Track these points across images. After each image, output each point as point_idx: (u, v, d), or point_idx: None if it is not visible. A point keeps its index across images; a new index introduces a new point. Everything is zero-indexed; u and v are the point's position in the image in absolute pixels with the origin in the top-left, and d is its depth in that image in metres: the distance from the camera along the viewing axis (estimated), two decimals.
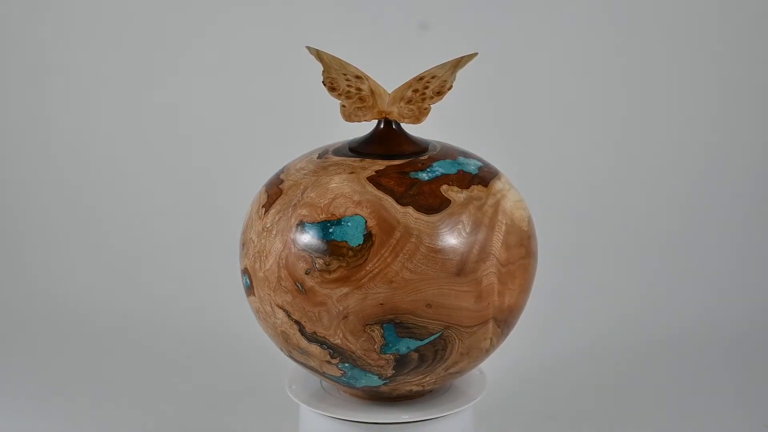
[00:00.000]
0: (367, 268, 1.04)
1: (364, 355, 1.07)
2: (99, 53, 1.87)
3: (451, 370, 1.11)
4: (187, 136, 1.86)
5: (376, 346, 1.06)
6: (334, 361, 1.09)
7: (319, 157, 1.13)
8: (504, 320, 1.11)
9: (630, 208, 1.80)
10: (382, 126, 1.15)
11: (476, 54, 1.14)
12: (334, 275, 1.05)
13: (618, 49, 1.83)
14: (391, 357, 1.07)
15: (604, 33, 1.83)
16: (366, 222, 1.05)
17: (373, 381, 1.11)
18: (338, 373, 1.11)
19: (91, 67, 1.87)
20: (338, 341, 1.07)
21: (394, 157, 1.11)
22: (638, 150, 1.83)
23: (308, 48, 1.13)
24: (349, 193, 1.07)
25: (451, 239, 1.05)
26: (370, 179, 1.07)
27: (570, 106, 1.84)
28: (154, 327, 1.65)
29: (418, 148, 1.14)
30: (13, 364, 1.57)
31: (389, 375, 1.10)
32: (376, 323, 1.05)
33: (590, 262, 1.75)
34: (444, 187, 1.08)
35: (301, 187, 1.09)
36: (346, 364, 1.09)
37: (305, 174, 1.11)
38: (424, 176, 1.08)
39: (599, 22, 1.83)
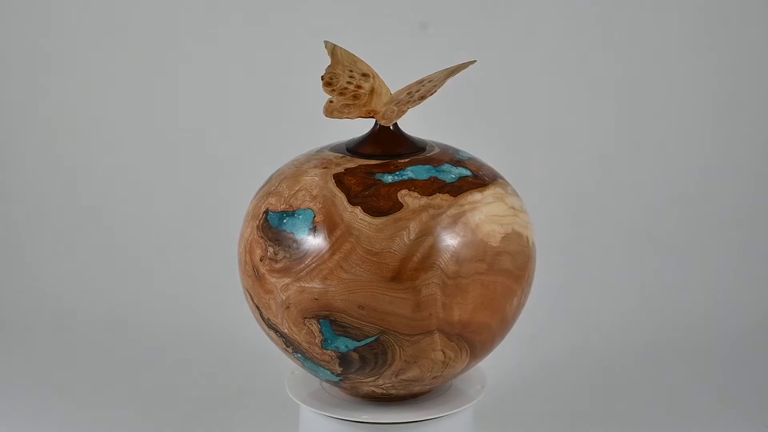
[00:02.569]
0: (306, 261, 1.06)
1: (309, 348, 1.09)
2: (101, 55, 1.87)
3: (404, 377, 1.10)
4: (189, 136, 1.86)
5: (316, 341, 1.08)
6: (289, 350, 1.12)
7: (318, 151, 1.16)
8: (458, 335, 1.07)
9: (631, 208, 1.79)
10: (378, 126, 1.15)
11: (474, 62, 1.12)
12: (279, 265, 1.07)
13: (619, 48, 1.82)
14: (334, 354, 1.08)
15: (602, 33, 1.82)
16: (314, 216, 1.06)
17: (329, 376, 1.12)
18: (298, 363, 1.13)
19: (90, 69, 1.87)
20: (286, 331, 1.09)
21: (378, 157, 1.11)
22: (636, 153, 1.82)
23: (326, 43, 1.16)
24: (311, 187, 1.08)
25: (391, 244, 1.04)
26: (336, 176, 1.08)
27: (571, 103, 1.82)
28: (153, 327, 1.66)
29: (410, 149, 1.13)
30: (11, 364, 1.58)
31: (339, 372, 1.10)
32: (313, 317, 1.06)
33: (590, 262, 1.74)
34: (403, 191, 1.06)
35: (282, 176, 1.13)
36: (299, 355, 1.11)
37: (293, 165, 1.14)
38: (388, 178, 1.07)
39: (597, 22, 1.82)
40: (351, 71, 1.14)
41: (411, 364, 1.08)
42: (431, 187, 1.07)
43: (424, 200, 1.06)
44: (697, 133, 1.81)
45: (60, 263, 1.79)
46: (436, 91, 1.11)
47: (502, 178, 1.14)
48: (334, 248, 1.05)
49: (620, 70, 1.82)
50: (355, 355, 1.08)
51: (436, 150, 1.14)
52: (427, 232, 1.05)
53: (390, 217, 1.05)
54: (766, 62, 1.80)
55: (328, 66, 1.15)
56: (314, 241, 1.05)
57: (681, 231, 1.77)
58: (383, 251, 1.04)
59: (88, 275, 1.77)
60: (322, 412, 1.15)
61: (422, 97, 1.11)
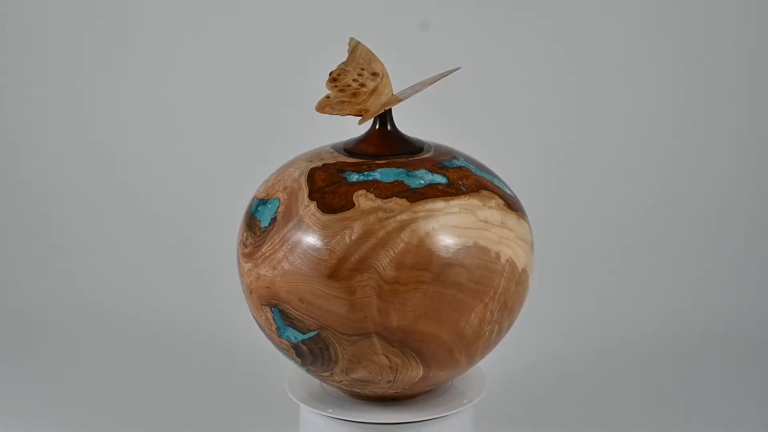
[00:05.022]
0: (263, 249, 1.09)
1: (271, 335, 1.12)
2: (103, 55, 1.85)
3: (355, 377, 1.10)
4: (190, 136, 1.83)
5: (273, 328, 1.11)
6: (263, 334, 1.16)
7: (322, 147, 1.18)
8: (400, 341, 1.06)
9: (628, 206, 1.80)
10: (377, 126, 1.15)
11: (458, 68, 1.10)
12: (247, 250, 1.12)
13: (618, 49, 1.83)
14: (288, 343, 1.11)
15: (593, 36, 1.83)
16: (278, 207, 1.10)
17: (298, 366, 1.14)
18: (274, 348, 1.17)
19: (93, 69, 1.85)
20: (253, 314, 1.14)
21: (364, 157, 1.12)
22: (635, 154, 1.82)
23: (351, 39, 1.18)
24: (288, 178, 1.12)
25: (333, 242, 1.05)
26: (311, 170, 1.11)
27: (562, 107, 1.83)
28: (154, 327, 1.66)
29: (401, 151, 1.12)
30: (12, 365, 1.58)
31: (300, 363, 1.13)
32: (267, 305, 1.10)
33: (587, 262, 1.74)
34: (360, 192, 1.06)
35: (280, 167, 1.16)
36: (270, 341, 1.15)
37: (294, 158, 1.17)
38: (354, 177, 1.08)
39: (590, 24, 1.83)
40: (362, 69, 1.15)
41: (356, 364, 1.08)
42: (391, 190, 1.06)
43: (377, 202, 1.05)
44: (681, 134, 1.83)
45: (58, 266, 1.80)
46: (413, 94, 1.10)
47: (490, 191, 1.10)
48: (284, 240, 1.07)
49: (618, 71, 1.83)
50: (305, 348, 1.09)
51: (428, 154, 1.12)
52: (369, 234, 1.04)
53: (338, 216, 1.05)
54: (745, 67, 1.82)
55: (342, 62, 1.17)
56: (272, 231, 1.09)
57: (678, 229, 1.78)
58: (324, 248, 1.05)
59: (90, 276, 1.77)
60: (322, 412, 1.17)
61: (399, 100, 1.10)
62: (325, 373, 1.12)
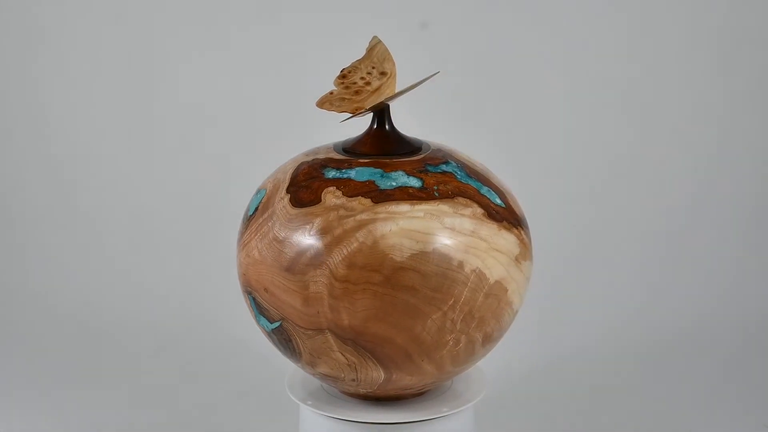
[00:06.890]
0: (244, 237, 1.13)
1: (252, 319, 1.16)
2: (100, 54, 1.82)
3: (320, 371, 1.11)
4: (190, 135, 1.81)
5: (253, 314, 1.14)
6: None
7: (324, 144, 1.20)
8: (353, 341, 1.06)
9: (629, 207, 1.79)
10: (375, 126, 1.15)
11: (437, 72, 1.10)
12: (237, 236, 1.16)
13: (622, 49, 1.82)
14: (264, 331, 1.14)
15: (600, 32, 1.81)
16: (263, 197, 1.13)
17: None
18: None
19: (89, 67, 1.82)
20: (243, 300, 1.17)
21: (353, 155, 1.13)
22: (637, 151, 1.82)
23: (374, 37, 1.20)
24: (279, 171, 1.15)
25: (294, 235, 1.07)
26: (299, 165, 1.13)
27: (569, 104, 1.82)
28: (154, 327, 1.64)
29: (393, 152, 1.12)
30: (10, 363, 1.59)
31: (279, 349, 1.15)
32: (246, 291, 1.13)
33: (589, 262, 1.74)
34: (330, 188, 1.08)
35: (281, 163, 1.19)
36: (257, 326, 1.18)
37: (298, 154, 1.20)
38: (330, 174, 1.09)
39: (594, 20, 1.81)
40: (373, 67, 1.16)
41: (316, 359, 1.10)
42: (360, 189, 1.07)
43: (342, 200, 1.06)
44: (699, 131, 1.81)
45: (58, 264, 1.80)
46: (397, 98, 1.10)
47: (469, 198, 1.07)
48: (257, 229, 1.10)
49: (622, 72, 1.82)
50: (275, 337, 1.12)
51: (418, 156, 1.11)
52: (326, 231, 1.05)
53: (303, 210, 1.07)
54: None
55: (357, 60, 1.18)
56: (252, 219, 1.12)
57: (680, 232, 1.78)
58: (285, 240, 1.07)
59: (91, 276, 1.78)
60: (322, 412, 1.17)
61: (388, 100, 1.11)
62: (298, 364, 1.14)
